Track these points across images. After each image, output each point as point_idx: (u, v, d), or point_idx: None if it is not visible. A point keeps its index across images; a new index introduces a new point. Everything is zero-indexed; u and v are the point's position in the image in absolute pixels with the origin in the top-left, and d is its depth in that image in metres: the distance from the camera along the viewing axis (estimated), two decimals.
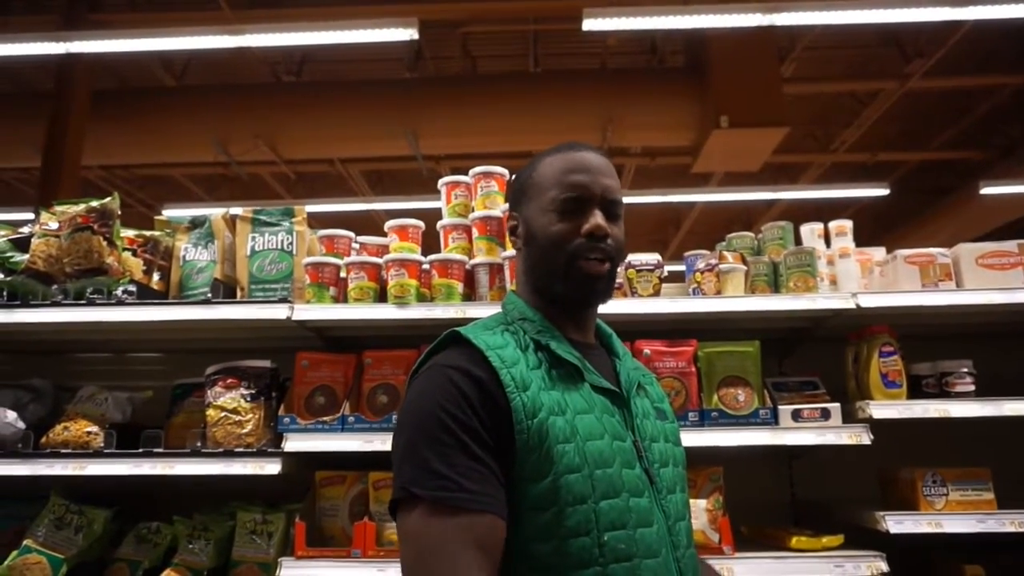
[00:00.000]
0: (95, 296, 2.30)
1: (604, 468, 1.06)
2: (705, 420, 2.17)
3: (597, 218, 1.17)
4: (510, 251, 2.24)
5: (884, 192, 9.09)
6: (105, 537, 2.37)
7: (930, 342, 2.39)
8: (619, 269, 2.40)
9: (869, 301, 2.16)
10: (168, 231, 2.61)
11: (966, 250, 2.29)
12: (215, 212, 2.55)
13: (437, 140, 7.70)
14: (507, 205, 1.32)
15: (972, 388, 2.19)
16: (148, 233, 2.59)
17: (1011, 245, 2.26)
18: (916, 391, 2.24)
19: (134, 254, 2.51)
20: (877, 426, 2.11)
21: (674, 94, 7.18)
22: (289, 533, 2.22)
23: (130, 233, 2.55)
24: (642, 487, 1.09)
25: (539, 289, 1.23)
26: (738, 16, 5.27)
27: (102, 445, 2.25)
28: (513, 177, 1.32)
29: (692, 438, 2.09)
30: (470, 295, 2.32)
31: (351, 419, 2.21)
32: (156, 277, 2.53)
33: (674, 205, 11.05)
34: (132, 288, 2.32)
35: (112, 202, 2.45)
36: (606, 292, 1.22)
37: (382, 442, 2.14)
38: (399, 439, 1.06)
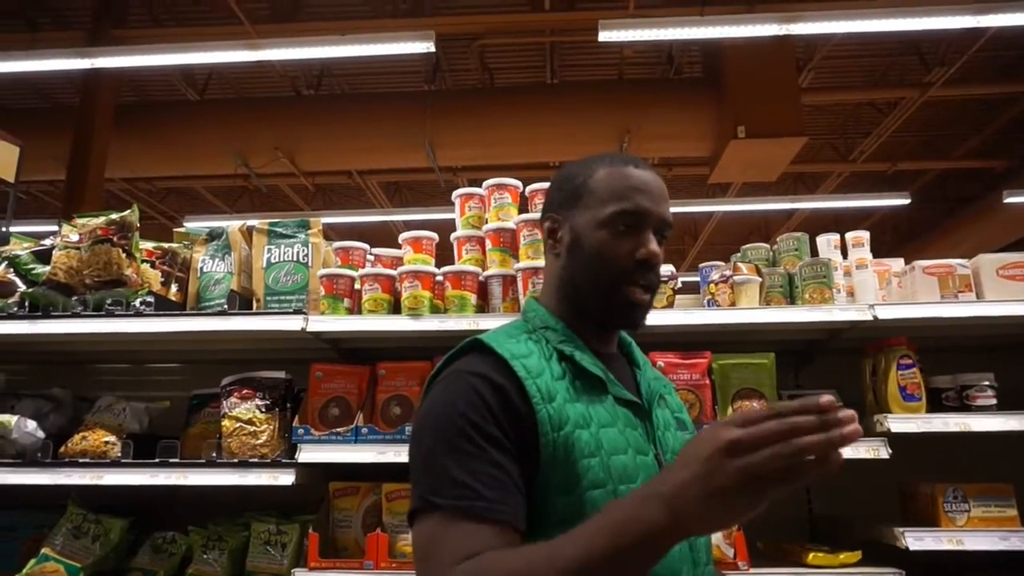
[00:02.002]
0: (114, 307, 2.33)
1: (628, 484, 1.03)
2: None
3: (652, 244, 1.12)
4: (523, 263, 2.24)
5: (905, 202, 8.98)
6: (122, 546, 2.39)
7: (950, 354, 2.35)
8: None
9: (887, 313, 2.13)
10: (186, 243, 2.65)
11: (986, 261, 2.25)
12: (232, 224, 2.59)
13: (455, 152, 7.76)
14: (541, 202, 1.24)
15: (994, 402, 2.15)
16: (166, 245, 2.63)
17: None
18: (936, 404, 2.20)
19: (152, 266, 2.55)
20: (896, 440, 2.07)
21: (691, 104, 7.17)
22: (303, 544, 2.22)
23: (149, 245, 2.59)
24: None
25: (571, 299, 1.18)
26: (755, 26, 5.26)
27: (119, 455, 2.28)
28: (561, 176, 1.24)
29: None
30: (483, 307, 2.32)
31: (364, 430, 2.22)
32: (174, 288, 2.56)
33: (692, 215, 11.02)
34: (150, 299, 2.35)
35: (131, 215, 2.49)
36: (642, 321, 1.17)
37: (395, 453, 2.14)
38: (417, 447, 1.04)
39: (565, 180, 1.23)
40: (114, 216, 2.49)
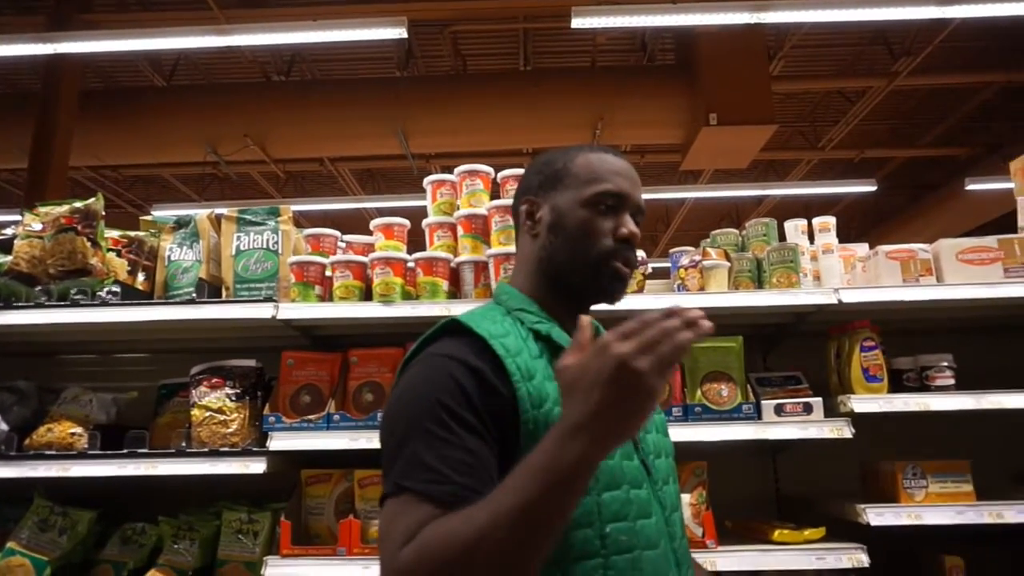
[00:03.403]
0: (79, 297, 2.29)
1: (606, 459, 1.05)
2: (689, 415, 2.18)
3: (632, 225, 1.19)
4: (495, 249, 2.24)
5: (872, 188, 9.15)
6: (90, 538, 2.36)
7: (911, 337, 2.41)
8: None
9: (851, 296, 2.18)
10: (153, 231, 2.61)
11: (946, 246, 2.31)
12: (200, 212, 2.55)
13: (427, 139, 7.71)
14: (513, 189, 1.30)
15: (952, 382, 2.21)
16: (132, 233, 2.59)
17: (991, 240, 2.28)
18: (897, 385, 2.26)
19: (118, 255, 2.51)
20: (859, 420, 2.13)
21: (664, 92, 7.21)
22: (275, 532, 2.22)
23: (114, 234, 2.54)
24: (640, 478, 1.09)
25: (551, 277, 1.21)
26: (726, 14, 5.30)
27: (86, 446, 2.25)
28: (539, 162, 1.29)
29: (676, 433, 2.06)
30: (455, 293, 2.33)
31: (336, 417, 2.21)
32: (141, 277, 2.53)
33: (664, 202, 11.10)
34: (116, 289, 2.31)
35: (96, 203, 2.45)
36: (622, 295, 1.23)
37: (368, 440, 2.14)
38: (390, 432, 1.03)
39: (544, 164, 1.27)
40: (78, 204, 2.44)
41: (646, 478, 1.10)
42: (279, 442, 2.17)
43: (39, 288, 2.34)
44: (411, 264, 2.33)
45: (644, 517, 1.06)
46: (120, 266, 2.49)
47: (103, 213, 2.46)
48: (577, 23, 5.27)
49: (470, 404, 0.99)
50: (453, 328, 1.10)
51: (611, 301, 1.22)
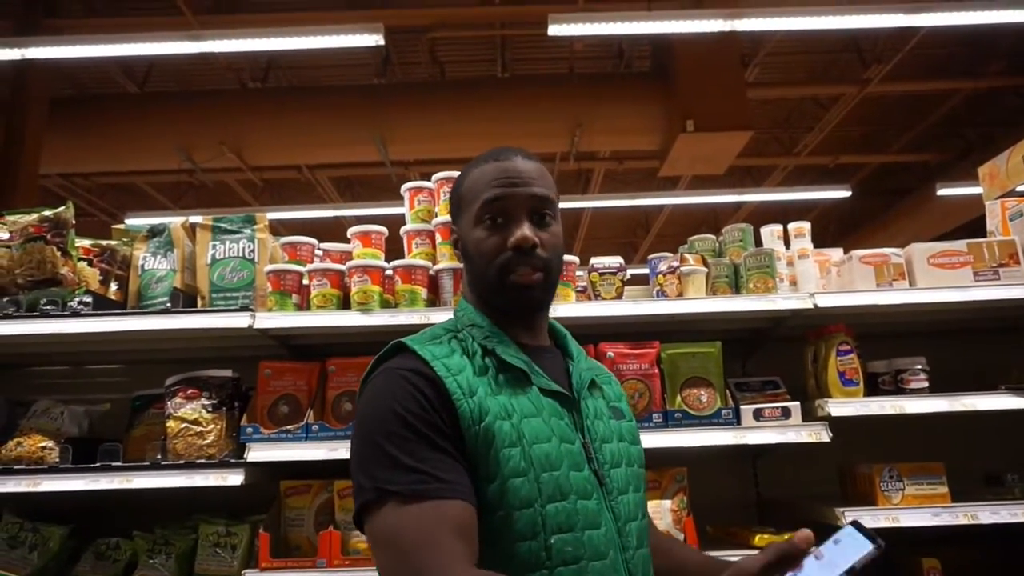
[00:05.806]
0: (49, 307, 2.24)
1: (551, 471, 1.06)
2: (669, 421, 2.19)
3: (524, 229, 1.15)
4: None
5: (846, 194, 9.28)
6: (62, 555, 2.31)
7: (885, 340, 2.45)
8: (582, 272, 2.42)
9: (826, 301, 2.20)
10: (125, 240, 2.57)
11: (918, 250, 2.34)
12: (174, 220, 2.52)
13: (406, 146, 7.69)
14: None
15: (926, 384, 2.24)
16: (104, 242, 2.55)
17: (960, 245, 2.32)
18: (873, 388, 2.29)
19: (90, 264, 2.46)
20: (836, 423, 2.15)
21: (641, 99, 7.26)
22: (253, 545, 2.19)
23: (86, 243, 2.50)
24: (591, 489, 1.09)
25: (482, 298, 1.23)
26: (701, 22, 5.36)
27: (57, 460, 2.20)
28: (452, 188, 1.31)
29: (656, 439, 2.11)
30: (434, 300, 2.31)
31: (315, 427, 2.19)
32: (113, 287, 2.48)
33: (643, 208, 11.16)
34: (88, 299, 2.27)
35: (66, 211, 2.40)
36: (543, 300, 1.22)
37: (347, 450, 2.09)
38: (359, 444, 1.06)
39: (451, 192, 1.29)
40: (47, 213, 2.39)
41: (597, 488, 1.11)
42: (257, 453, 2.14)
43: (7, 299, 2.29)
44: (389, 272, 2.31)
45: (592, 528, 1.07)
46: (92, 276, 2.44)
47: (73, 222, 2.42)
48: (554, 30, 5.29)
49: (432, 407, 1.04)
50: (401, 349, 1.14)
51: (531, 311, 1.22)
